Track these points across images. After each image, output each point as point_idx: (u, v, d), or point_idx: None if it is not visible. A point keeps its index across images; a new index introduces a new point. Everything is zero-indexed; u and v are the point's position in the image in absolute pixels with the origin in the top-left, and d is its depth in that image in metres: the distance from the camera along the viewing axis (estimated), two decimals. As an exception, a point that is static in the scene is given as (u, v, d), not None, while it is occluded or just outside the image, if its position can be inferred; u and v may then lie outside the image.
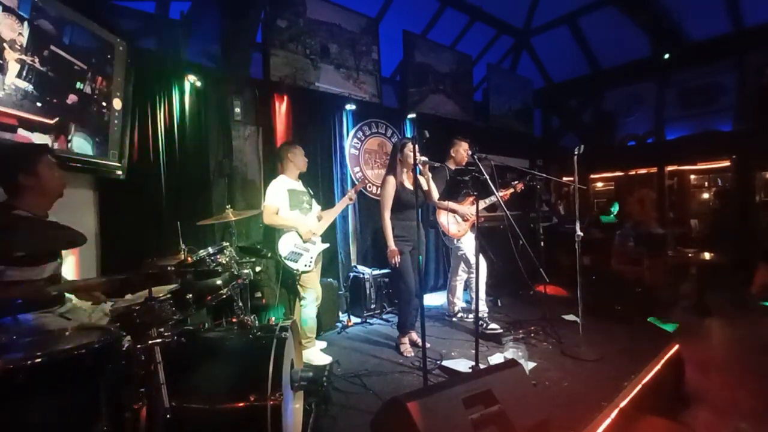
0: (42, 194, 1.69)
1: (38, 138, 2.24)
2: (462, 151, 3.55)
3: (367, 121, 4.74)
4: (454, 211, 3.42)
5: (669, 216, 6.67)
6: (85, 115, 2.56)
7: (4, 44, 2.05)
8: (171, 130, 3.23)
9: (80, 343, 1.22)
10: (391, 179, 2.94)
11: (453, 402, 1.57)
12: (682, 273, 4.61)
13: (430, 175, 2.98)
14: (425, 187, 2.97)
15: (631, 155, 7.24)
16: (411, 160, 2.90)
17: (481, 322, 3.20)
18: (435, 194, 3.07)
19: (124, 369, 1.35)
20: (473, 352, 2.47)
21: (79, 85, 2.50)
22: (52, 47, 2.31)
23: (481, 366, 2.41)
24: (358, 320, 3.87)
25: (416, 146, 2.36)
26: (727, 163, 6.32)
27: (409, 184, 2.98)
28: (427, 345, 2.30)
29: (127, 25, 3.11)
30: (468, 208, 3.42)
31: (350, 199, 3.18)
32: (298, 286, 2.94)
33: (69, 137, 2.45)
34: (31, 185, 1.64)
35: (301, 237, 2.89)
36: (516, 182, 3.58)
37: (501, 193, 3.37)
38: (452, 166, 3.61)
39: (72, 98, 2.46)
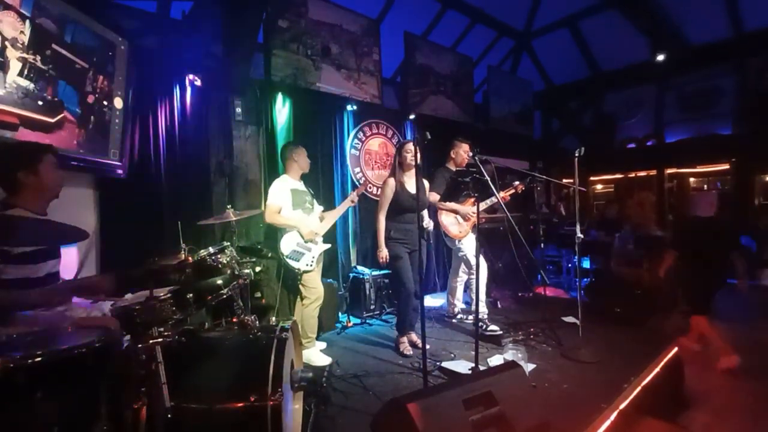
0: (40, 193, 1.69)
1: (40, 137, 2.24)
2: (462, 152, 3.55)
3: (367, 122, 4.75)
4: (455, 212, 3.42)
5: (668, 218, 6.68)
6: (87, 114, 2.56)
7: (6, 42, 2.05)
8: (172, 129, 3.23)
9: (80, 342, 1.21)
10: (391, 181, 2.95)
11: (453, 403, 1.57)
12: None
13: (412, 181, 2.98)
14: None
15: (631, 158, 7.25)
16: (409, 162, 2.91)
17: (480, 323, 3.20)
18: (425, 200, 3.07)
19: (124, 368, 1.35)
20: (473, 353, 2.47)
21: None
22: (54, 46, 2.31)
23: (481, 367, 2.41)
24: (358, 321, 3.87)
25: (417, 148, 2.36)
26: (726, 167, 6.33)
27: (408, 187, 2.98)
28: (427, 346, 2.30)
29: (128, 24, 3.10)
30: (469, 208, 3.42)
31: (352, 201, 3.18)
32: (300, 286, 2.94)
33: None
34: (30, 183, 1.64)
35: (302, 237, 2.89)
36: (517, 183, 3.58)
37: (501, 194, 3.37)
38: (452, 168, 3.61)
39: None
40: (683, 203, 3.32)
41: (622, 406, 2.14)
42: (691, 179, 6.97)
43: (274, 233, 3.08)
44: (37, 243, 1.58)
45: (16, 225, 1.28)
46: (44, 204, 1.74)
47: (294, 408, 1.93)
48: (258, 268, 2.74)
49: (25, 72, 2.15)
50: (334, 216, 3.15)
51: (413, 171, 2.95)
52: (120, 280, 1.73)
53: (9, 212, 1.57)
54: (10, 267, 1.52)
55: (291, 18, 4.01)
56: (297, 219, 2.91)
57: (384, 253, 2.88)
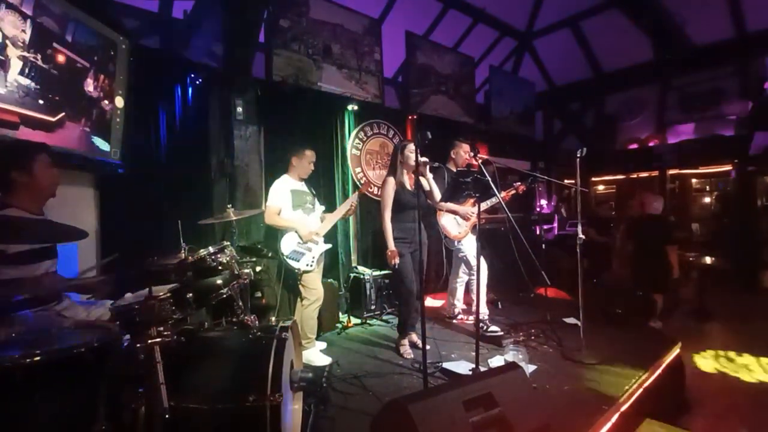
0: (35, 192, 1.69)
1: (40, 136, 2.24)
2: (462, 152, 3.54)
3: (368, 122, 4.74)
4: (454, 212, 3.41)
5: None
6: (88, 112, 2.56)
7: (7, 41, 2.05)
8: (173, 128, 3.22)
9: (79, 341, 1.21)
10: (391, 180, 2.93)
11: (453, 405, 1.56)
12: (683, 277, 4.60)
13: (431, 175, 2.97)
14: (426, 188, 2.96)
15: (633, 159, 7.24)
16: (412, 162, 2.90)
17: (481, 324, 3.19)
18: (437, 194, 3.06)
19: (123, 368, 1.34)
20: (473, 354, 2.46)
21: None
22: (55, 45, 2.31)
23: (482, 368, 2.40)
24: (358, 321, 3.86)
25: (418, 147, 2.35)
26: (728, 168, 6.31)
27: (409, 185, 2.97)
28: (427, 347, 2.29)
29: (129, 23, 3.11)
30: (468, 208, 3.41)
31: (352, 205, 3.13)
32: (300, 287, 2.93)
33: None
34: (24, 183, 1.64)
35: (301, 238, 2.88)
36: (518, 183, 3.57)
37: (503, 194, 3.36)
38: (452, 168, 3.60)
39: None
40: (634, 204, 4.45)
41: (623, 408, 2.14)
42: (694, 180, 6.94)
43: (274, 233, 3.07)
44: (33, 242, 1.58)
45: (10, 225, 1.27)
46: (40, 203, 1.73)
47: (293, 408, 1.93)
48: (258, 268, 2.74)
49: (26, 71, 2.15)
50: (333, 218, 3.13)
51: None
52: (119, 280, 1.73)
53: (3, 212, 1.57)
54: (6, 267, 1.51)
55: (292, 17, 4.01)
56: (296, 220, 2.90)
57: (394, 251, 2.81)
